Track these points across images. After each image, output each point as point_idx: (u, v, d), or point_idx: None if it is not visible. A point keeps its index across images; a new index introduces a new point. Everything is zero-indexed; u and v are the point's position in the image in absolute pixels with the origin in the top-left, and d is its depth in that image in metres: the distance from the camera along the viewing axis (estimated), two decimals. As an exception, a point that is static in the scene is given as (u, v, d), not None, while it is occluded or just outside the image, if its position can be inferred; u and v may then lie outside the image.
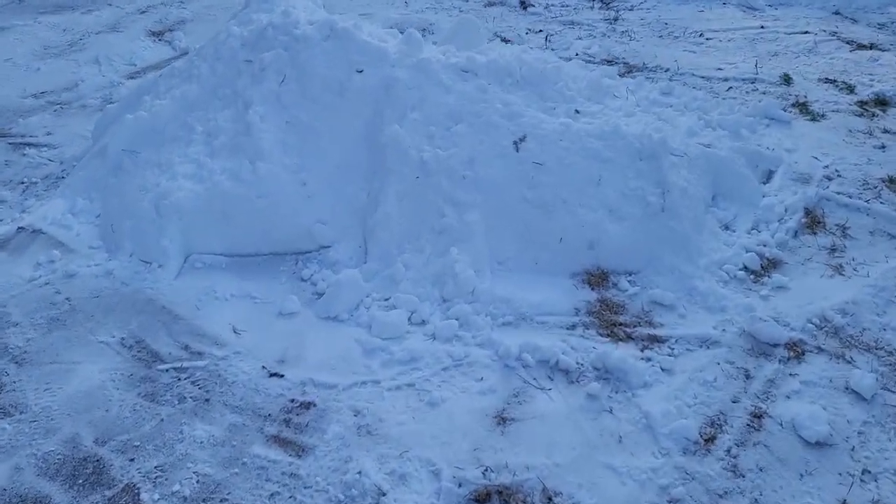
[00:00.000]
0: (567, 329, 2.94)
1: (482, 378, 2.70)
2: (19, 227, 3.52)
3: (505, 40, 5.89)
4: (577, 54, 5.53)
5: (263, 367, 2.74)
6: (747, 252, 3.22)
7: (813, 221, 3.44)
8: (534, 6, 6.64)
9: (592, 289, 3.12)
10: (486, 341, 2.85)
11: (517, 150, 3.38)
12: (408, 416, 2.54)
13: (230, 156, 3.50)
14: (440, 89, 3.58)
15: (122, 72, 5.54)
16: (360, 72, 3.64)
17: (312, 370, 2.73)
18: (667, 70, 5.18)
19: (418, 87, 3.58)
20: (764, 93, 4.76)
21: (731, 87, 4.86)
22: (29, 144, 4.43)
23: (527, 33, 6.04)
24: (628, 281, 3.15)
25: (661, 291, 3.04)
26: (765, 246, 3.27)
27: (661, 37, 5.88)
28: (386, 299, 3.11)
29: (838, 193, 3.62)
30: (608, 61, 5.40)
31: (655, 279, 3.13)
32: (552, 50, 5.62)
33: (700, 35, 5.85)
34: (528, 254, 3.26)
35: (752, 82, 4.94)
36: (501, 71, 3.65)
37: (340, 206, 3.47)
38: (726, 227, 3.42)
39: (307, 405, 2.58)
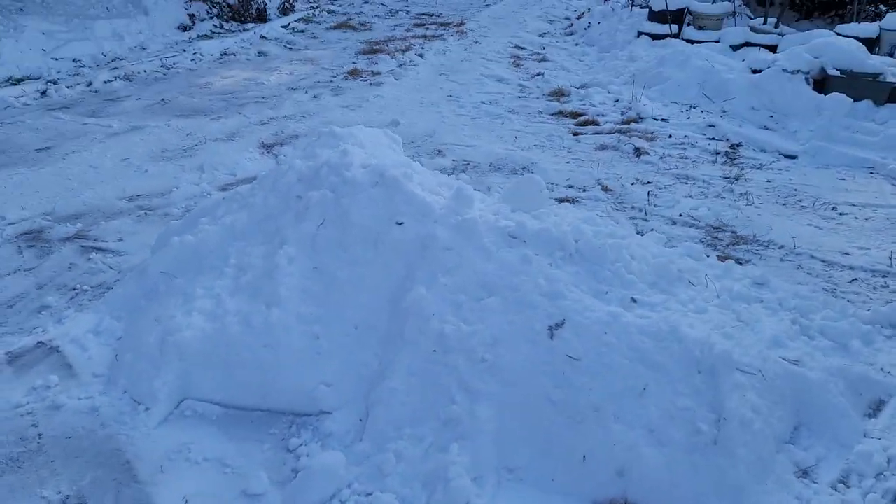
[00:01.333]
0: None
1: None
2: (39, 342, 3.46)
3: (605, 188, 5.48)
4: (680, 215, 5.00)
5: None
6: (825, 515, 2.51)
7: (924, 484, 2.66)
8: (649, 154, 6.19)
9: (612, 528, 2.53)
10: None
11: (551, 338, 2.91)
12: None
13: (250, 297, 3.29)
14: (480, 254, 3.21)
15: (218, 182, 5.62)
16: (400, 224, 3.36)
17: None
18: (781, 247, 4.52)
19: (457, 248, 3.23)
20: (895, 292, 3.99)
21: (855, 280, 4.11)
22: (98, 249, 4.49)
23: (632, 184, 5.59)
24: (660, 526, 2.53)
25: (697, 551, 2.40)
26: (851, 510, 2.54)
27: (784, 205, 5.21)
28: (367, 494, 2.67)
29: (966, 449, 2.81)
30: (714, 227, 4.82)
31: (694, 531, 2.49)
32: (655, 206, 5.13)
33: (833, 208, 5.13)
34: (545, 466, 2.72)
35: (885, 276, 4.16)
36: (553, 242, 3.23)
37: (351, 369, 3.12)
38: (805, 474, 2.71)
39: None
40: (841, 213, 5.05)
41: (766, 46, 8.57)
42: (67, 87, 8.19)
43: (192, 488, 2.68)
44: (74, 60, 9.35)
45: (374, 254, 3.33)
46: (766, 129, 6.73)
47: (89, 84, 8.38)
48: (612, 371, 2.81)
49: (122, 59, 9.71)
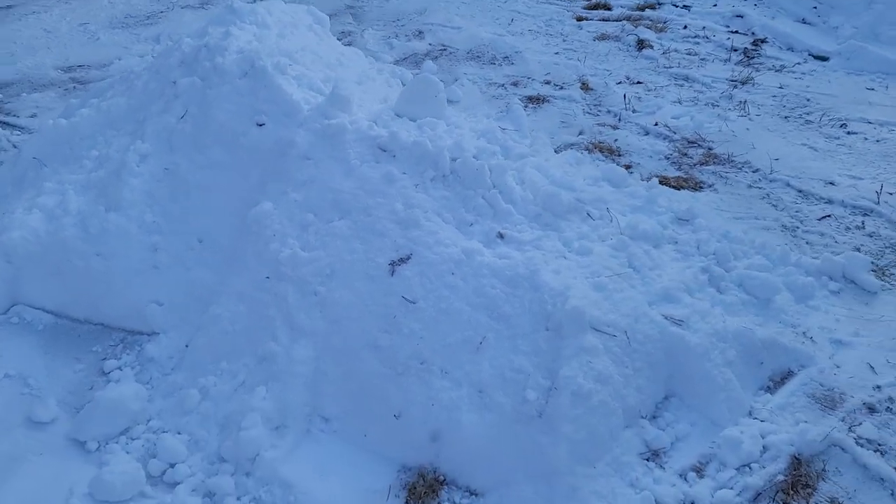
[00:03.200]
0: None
1: None
2: None
3: (586, 87, 4.83)
4: (656, 124, 4.35)
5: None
6: (658, 511, 2.13)
7: (796, 483, 2.22)
8: (652, 48, 5.41)
9: (411, 504, 2.22)
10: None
11: (391, 275, 2.51)
12: None
13: (95, 196, 2.98)
14: (341, 168, 2.77)
15: (168, 55, 5.22)
16: (261, 125, 2.93)
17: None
18: (756, 171, 3.88)
19: (316, 158, 2.80)
20: (871, 235, 3.36)
21: (827, 216, 3.49)
22: (6, 124, 4.24)
23: (619, 83, 4.90)
24: (465, 505, 2.22)
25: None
26: (693, 506, 2.16)
27: (786, 118, 4.47)
28: (163, 432, 2.44)
29: (865, 442, 2.33)
30: (690, 142, 4.17)
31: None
32: (633, 112, 4.49)
33: (842, 125, 4.36)
34: (359, 420, 2.41)
35: (866, 214, 3.52)
36: (427, 158, 2.75)
37: (187, 288, 2.82)
38: (653, 456, 2.30)
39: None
40: (849, 132, 4.29)
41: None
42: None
43: (-22, 407, 2.50)
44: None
45: (230, 157, 2.95)
46: (804, 22, 5.77)
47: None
48: (449, 318, 2.41)
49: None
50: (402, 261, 2.52)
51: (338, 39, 5.22)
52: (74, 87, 4.70)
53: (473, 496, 2.24)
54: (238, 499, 2.23)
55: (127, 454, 2.34)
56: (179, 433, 2.42)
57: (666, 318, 2.48)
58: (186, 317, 2.77)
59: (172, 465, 2.32)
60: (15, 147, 4.02)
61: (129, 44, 5.41)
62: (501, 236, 2.62)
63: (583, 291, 2.43)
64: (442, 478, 2.27)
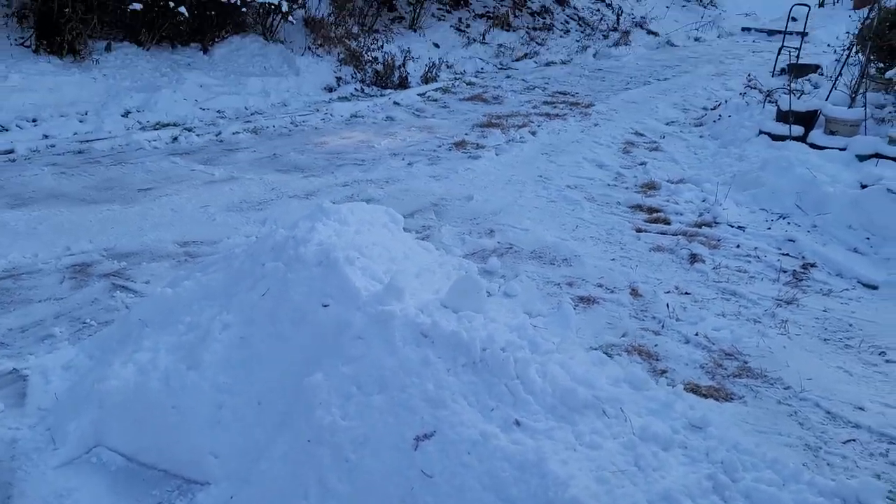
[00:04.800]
0: None
1: None
2: (14, 368, 3.88)
3: (635, 293, 5.20)
4: (696, 334, 4.63)
5: None
6: None
7: None
8: (703, 262, 5.79)
9: None
10: None
11: (415, 448, 2.83)
12: None
13: (181, 356, 3.50)
14: (386, 348, 3.20)
15: (268, 237, 6.01)
16: (326, 306, 3.44)
17: None
18: (787, 388, 4.04)
19: (367, 338, 3.25)
20: (894, 464, 3.42)
21: (852, 440, 3.58)
22: (125, 288, 4.97)
23: (667, 292, 5.25)
24: None
25: None
26: None
27: (826, 340, 4.64)
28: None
29: None
30: (727, 354, 4.40)
31: None
32: (676, 320, 4.79)
33: (881, 353, 4.49)
34: (370, 581, 2.64)
35: (891, 443, 3.58)
36: (461, 346, 3.15)
37: (242, 444, 3.20)
38: None
39: None
40: (888, 361, 4.41)
41: (898, 160, 7.74)
42: (198, 135, 9.16)
43: (45, 537, 2.88)
44: (218, 111, 10.44)
45: (296, 331, 3.43)
46: (856, 251, 6.05)
47: (218, 134, 9.30)
48: (459, 494, 2.67)
49: (260, 114, 10.70)
50: (427, 436, 2.84)
51: (418, 233, 5.94)
52: (186, 260, 5.46)
53: None
54: None
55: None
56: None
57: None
58: (237, 471, 3.13)
59: None
60: (127, 308, 4.71)
61: (240, 225, 6.25)
62: (518, 423, 2.92)
63: (585, 482, 2.66)
64: None
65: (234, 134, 9.44)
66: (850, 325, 4.86)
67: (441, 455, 2.78)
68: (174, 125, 9.55)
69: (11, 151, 7.89)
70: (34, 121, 8.90)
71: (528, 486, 2.66)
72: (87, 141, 8.53)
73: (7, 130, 8.51)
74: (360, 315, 3.34)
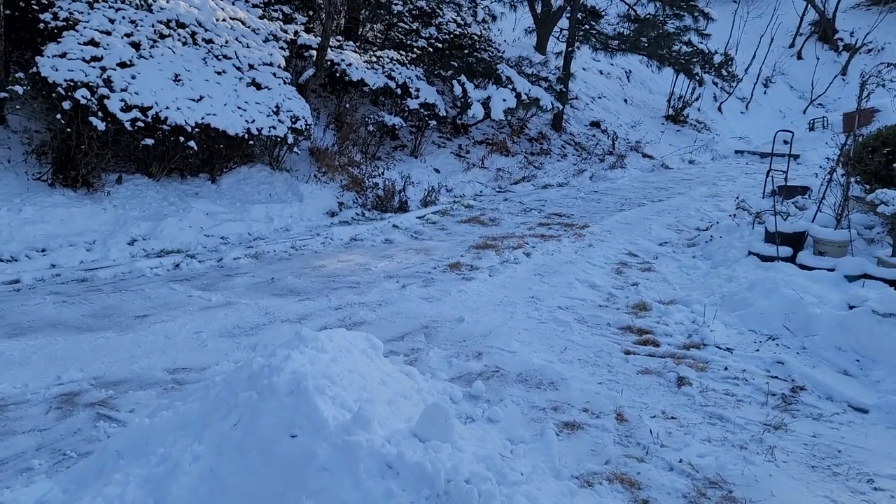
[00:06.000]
0: None
1: None
2: (-10, 502, 3.88)
3: (621, 417, 5.16)
4: (680, 461, 4.56)
5: None
6: None
7: None
8: (691, 386, 5.77)
9: None
10: None
11: (373, 587, 2.77)
12: None
13: (150, 490, 3.49)
14: (350, 480, 3.20)
15: (257, 364, 6.07)
16: (294, 436, 3.46)
17: None
18: (770, 518, 3.95)
19: (332, 470, 3.25)
20: None
21: (837, 574, 3.46)
22: (108, 417, 4.99)
23: (653, 417, 5.21)
24: None
25: None
26: None
27: (813, 468, 4.56)
28: None
29: None
30: (711, 482, 4.32)
31: None
32: (661, 446, 4.73)
33: (868, 481, 4.40)
34: None
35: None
36: (425, 478, 3.14)
37: (203, 580, 3.15)
38: None
39: None
40: (875, 488, 4.32)
41: (889, 282, 7.82)
42: (199, 261, 9.41)
43: None
44: (222, 238, 10.76)
45: (263, 462, 3.44)
46: (846, 374, 6.02)
47: (219, 260, 9.55)
48: None
49: (262, 239, 11.01)
50: (385, 574, 2.79)
51: (406, 356, 6.00)
52: (173, 388, 5.51)
53: None
54: None
55: None
56: None
57: None
58: None
59: None
60: (109, 438, 4.71)
61: (230, 351, 6.32)
62: (478, 561, 2.87)
63: None
64: None
65: (234, 259, 9.68)
66: (839, 451, 4.79)
67: None
68: (178, 252, 9.83)
69: (17, 281, 8.12)
70: (43, 251, 9.20)
71: None
72: (91, 269, 8.78)
73: (16, 261, 8.78)
74: (326, 446, 3.36)
